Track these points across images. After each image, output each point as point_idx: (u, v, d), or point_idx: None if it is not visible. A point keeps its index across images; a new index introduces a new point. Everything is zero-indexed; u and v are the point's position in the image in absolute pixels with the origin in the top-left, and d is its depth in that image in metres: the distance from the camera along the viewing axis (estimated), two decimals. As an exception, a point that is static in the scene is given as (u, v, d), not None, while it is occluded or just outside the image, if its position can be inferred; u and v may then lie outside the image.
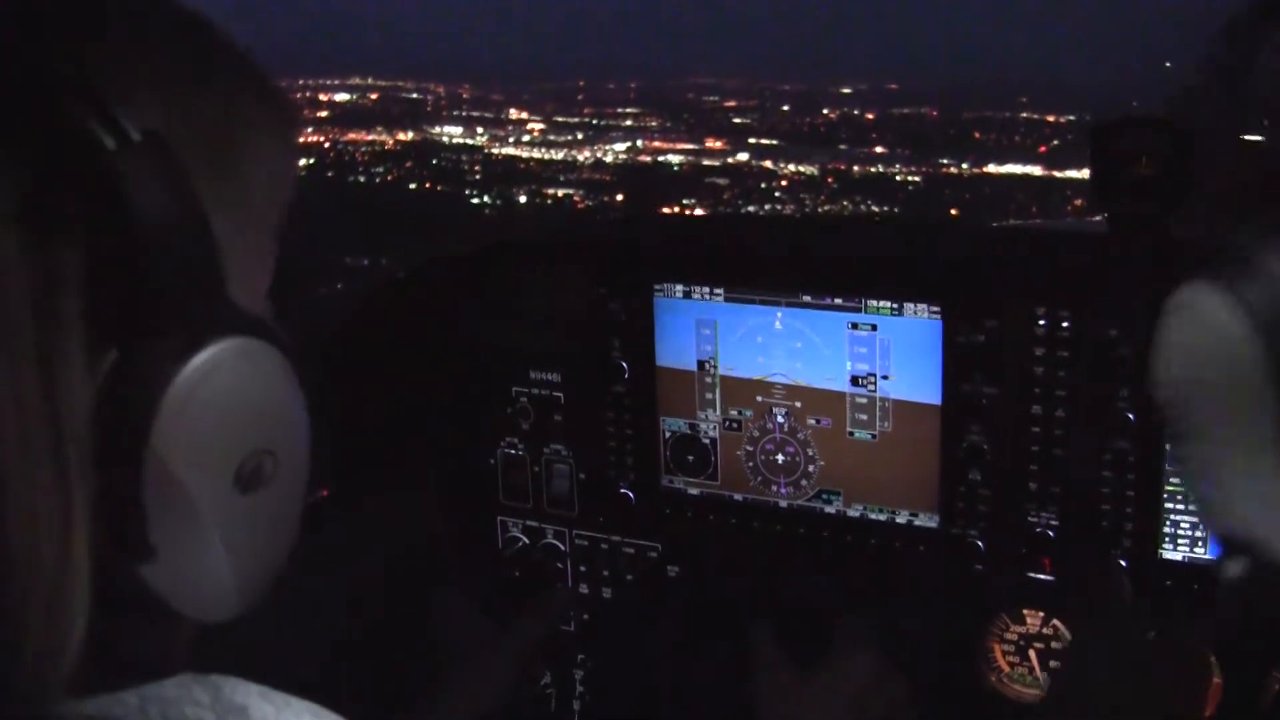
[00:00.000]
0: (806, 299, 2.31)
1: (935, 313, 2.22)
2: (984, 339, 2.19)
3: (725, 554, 2.52)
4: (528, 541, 2.70)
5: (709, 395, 2.44)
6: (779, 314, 2.34)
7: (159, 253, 0.92)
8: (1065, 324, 2.15)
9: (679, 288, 2.40)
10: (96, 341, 0.91)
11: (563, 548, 2.68)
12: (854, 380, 2.31)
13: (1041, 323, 2.16)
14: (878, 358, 2.28)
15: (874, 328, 2.27)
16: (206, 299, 0.97)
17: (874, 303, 2.27)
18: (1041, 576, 2.28)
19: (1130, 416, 2.12)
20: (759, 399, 2.40)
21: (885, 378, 2.29)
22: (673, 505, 2.53)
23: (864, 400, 2.32)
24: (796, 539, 2.44)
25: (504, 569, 2.71)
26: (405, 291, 2.69)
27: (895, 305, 2.25)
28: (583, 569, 2.67)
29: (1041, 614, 2.33)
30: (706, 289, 2.38)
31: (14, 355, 0.85)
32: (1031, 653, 2.35)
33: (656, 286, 2.41)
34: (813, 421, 2.37)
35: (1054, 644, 2.33)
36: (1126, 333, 2.10)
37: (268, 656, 1.22)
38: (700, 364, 2.43)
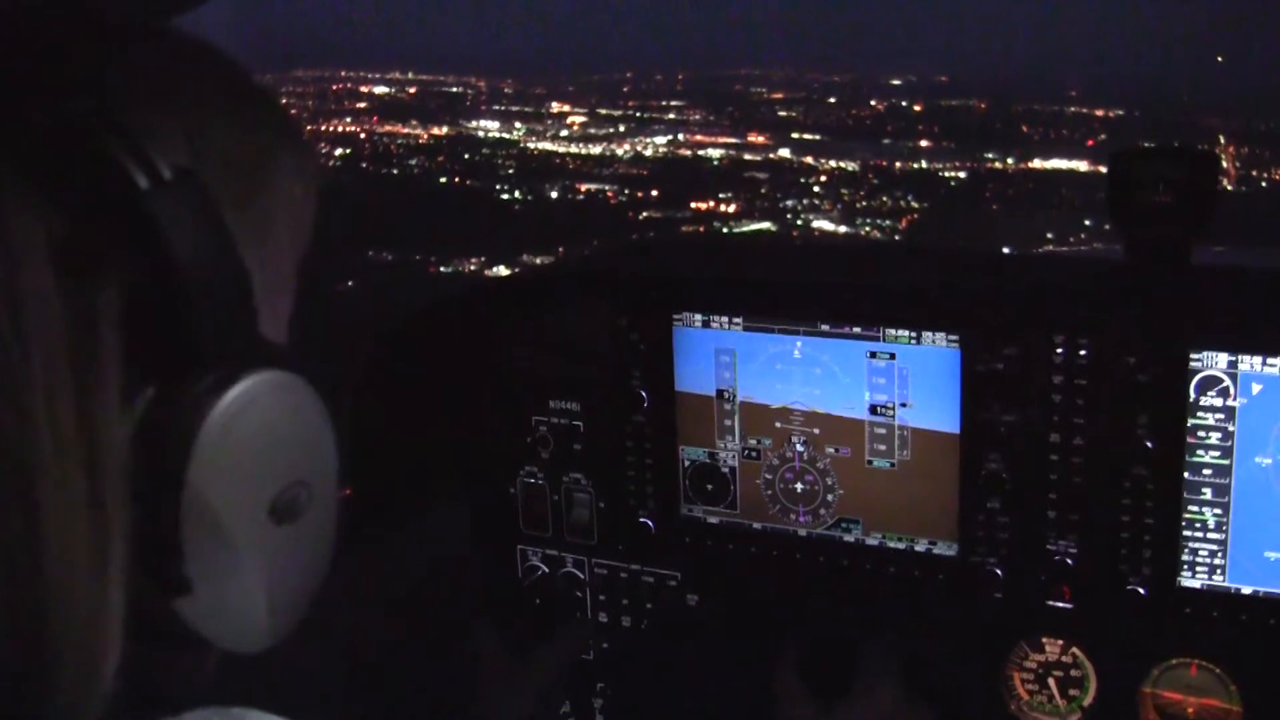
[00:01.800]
0: (825, 328, 2.32)
1: (954, 341, 2.23)
2: (1003, 367, 2.19)
3: (744, 583, 2.53)
4: (547, 570, 2.71)
5: (728, 423, 2.45)
6: (798, 343, 2.35)
7: (194, 288, 0.93)
8: (1084, 352, 2.15)
9: (698, 317, 2.41)
10: (134, 376, 0.92)
11: (582, 576, 2.68)
12: (873, 409, 2.32)
13: (1060, 351, 2.16)
14: (896, 386, 2.29)
15: (893, 356, 2.28)
16: (239, 333, 0.99)
17: (893, 331, 2.28)
18: (1061, 604, 2.28)
19: (1149, 444, 2.12)
20: (778, 425, 2.41)
21: (904, 405, 2.29)
22: (692, 534, 2.53)
23: (883, 429, 2.32)
24: (816, 567, 2.44)
25: (524, 598, 2.72)
26: (425, 322, 2.71)
27: (914, 334, 2.26)
28: (602, 598, 2.68)
29: (1061, 642, 2.33)
30: (725, 318, 2.39)
31: (52, 391, 0.87)
32: (1051, 681, 2.36)
33: (676, 316, 2.42)
34: (831, 450, 2.38)
35: (1073, 672, 2.33)
36: (1145, 360, 2.10)
37: (290, 684, 1.24)
38: (719, 392, 2.44)
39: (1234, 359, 2.07)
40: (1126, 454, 2.15)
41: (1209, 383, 2.09)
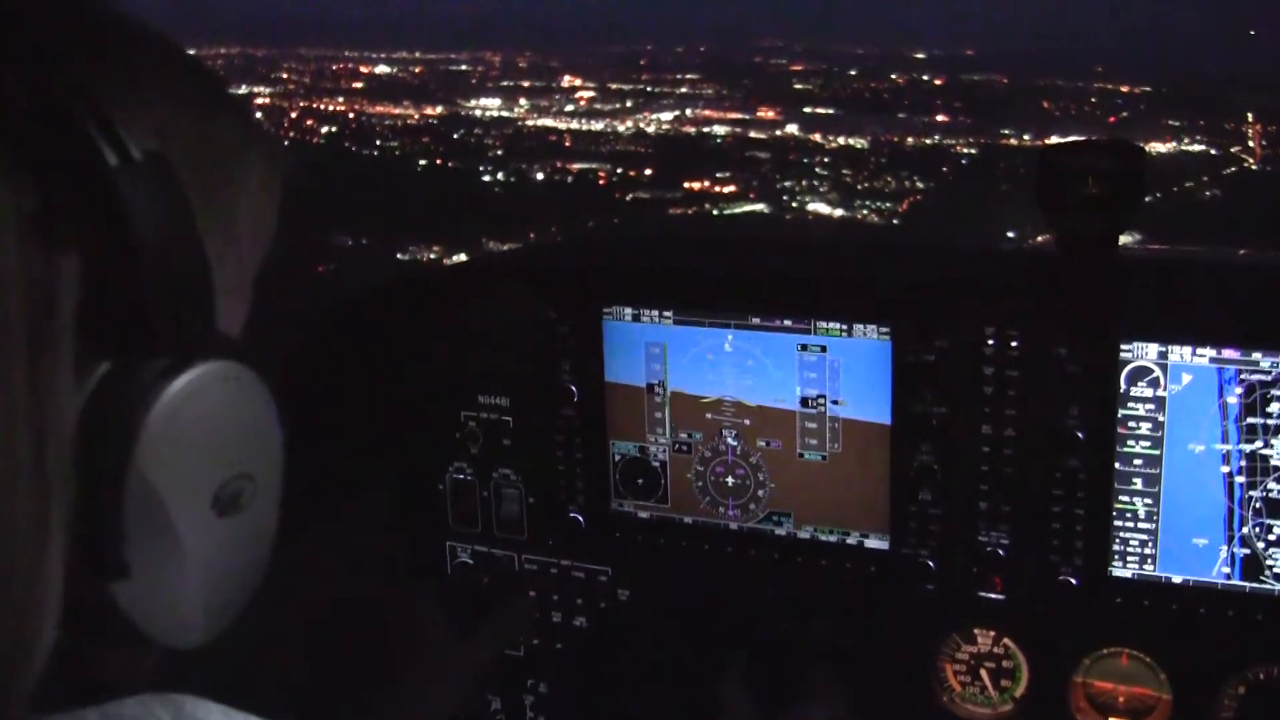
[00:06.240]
0: (756, 321, 2.31)
1: (885, 333, 2.22)
2: (934, 359, 2.19)
3: (675, 577, 2.52)
4: (477, 566, 2.69)
5: (658, 416, 2.43)
6: (729, 335, 2.33)
7: (154, 270, 0.92)
8: (1015, 344, 2.15)
9: (628, 310, 2.39)
10: (88, 353, 0.91)
11: (512, 572, 2.67)
12: (804, 401, 2.31)
13: (991, 342, 2.17)
14: (827, 379, 2.28)
15: (824, 349, 2.27)
16: (195, 320, 0.98)
17: (823, 324, 2.27)
18: (992, 595, 2.28)
19: (1080, 435, 2.12)
20: (709, 417, 2.40)
21: (835, 402, 2.29)
22: (623, 529, 2.52)
23: (814, 422, 2.32)
24: (747, 561, 2.43)
25: (453, 594, 2.66)
26: (353, 316, 2.70)
27: (845, 326, 2.25)
28: (532, 593, 2.65)
29: (993, 633, 2.34)
30: (656, 311, 2.38)
31: (5, 360, 0.85)
32: (983, 672, 2.36)
33: (605, 309, 2.41)
34: (763, 444, 2.37)
35: (1005, 662, 2.33)
36: (1075, 352, 2.10)
37: (221, 679, 1.24)
38: (650, 386, 2.42)
39: (1164, 349, 2.08)
40: (1058, 445, 2.15)
41: (1139, 373, 2.09)
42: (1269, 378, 2.02)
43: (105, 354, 0.93)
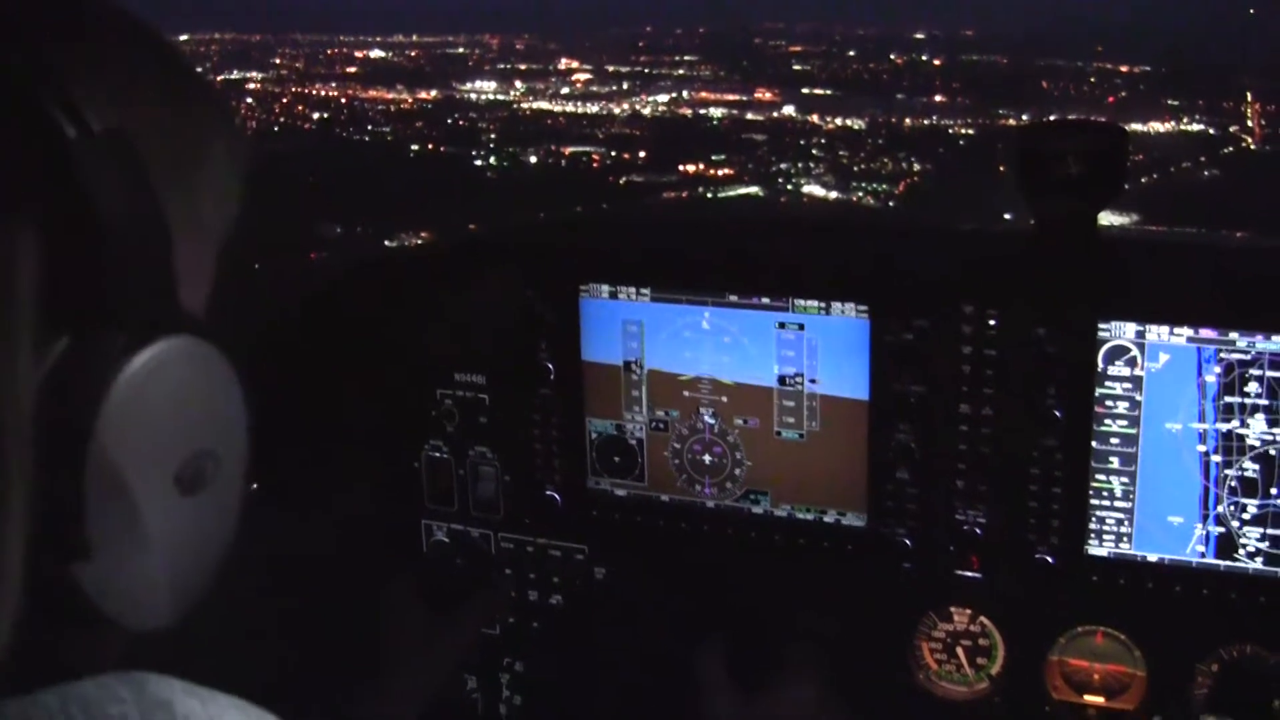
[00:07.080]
0: (733, 298, 2.30)
1: (863, 312, 2.21)
2: (912, 338, 2.19)
3: (652, 555, 2.52)
4: (452, 544, 2.68)
5: (635, 394, 2.42)
6: (706, 313, 2.32)
7: (114, 244, 0.91)
8: (993, 323, 2.15)
9: (605, 288, 2.38)
10: (47, 329, 0.89)
11: (489, 550, 2.66)
12: (781, 380, 2.30)
13: (969, 322, 2.15)
14: (805, 357, 2.27)
15: (801, 327, 2.27)
16: (157, 296, 0.97)
17: (801, 302, 2.26)
18: (969, 574, 2.28)
19: (1057, 414, 2.12)
20: (686, 395, 2.39)
21: (813, 381, 2.28)
22: (599, 507, 2.51)
23: (791, 400, 2.31)
24: (724, 540, 2.43)
25: (428, 573, 2.66)
26: (330, 293, 2.68)
27: (823, 304, 2.24)
28: (508, 572, 2.64)
29: (969, 611, 2.34)
30: (633, 289, 2.36)
31: None
32: (959, 650, 2.36)
33: (582, 287, 2.39)
34: (740, 422, 2.36)
35: (981, 641, 2.33)
36: (1054, 331, 2.10)
37: (192, 656, 1.23)
38: (626, 364, 2.41)
39: (1141, 329, 2.07)
40: (1035, 424, 2.15)
41: (1117, 352, 2.09)
42: (1247, 357, 2.02)
43: (65, 329, 0.91)
